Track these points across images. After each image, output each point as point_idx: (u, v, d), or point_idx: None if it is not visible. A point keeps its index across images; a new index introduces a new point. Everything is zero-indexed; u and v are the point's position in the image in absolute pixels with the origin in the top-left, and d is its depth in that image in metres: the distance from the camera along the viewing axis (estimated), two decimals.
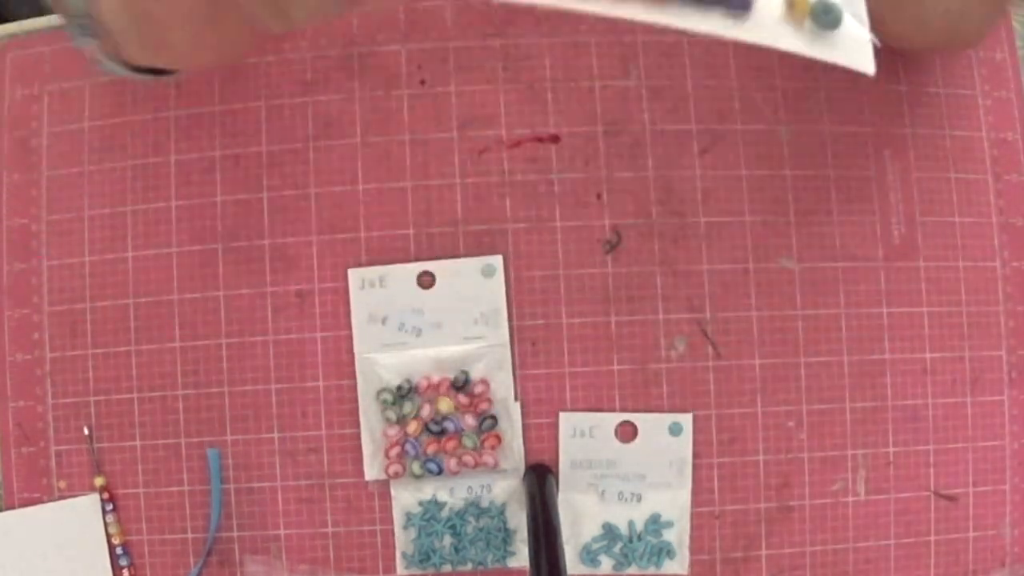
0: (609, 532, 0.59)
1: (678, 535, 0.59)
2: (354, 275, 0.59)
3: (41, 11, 0.59)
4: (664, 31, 0.36)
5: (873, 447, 0.59)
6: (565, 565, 0.50)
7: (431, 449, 0.58)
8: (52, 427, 0.59)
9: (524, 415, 0.59)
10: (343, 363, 0.59)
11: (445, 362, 0.59)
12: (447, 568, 0.59)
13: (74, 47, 0.46)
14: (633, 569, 0.59)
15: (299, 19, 0.40)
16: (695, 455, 0.59)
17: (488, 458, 0.58)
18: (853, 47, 0.37)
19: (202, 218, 0.59)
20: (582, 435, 0.59)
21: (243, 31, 0.41)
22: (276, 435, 0.59)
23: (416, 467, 0.58)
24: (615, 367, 0.58)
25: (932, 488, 0.59)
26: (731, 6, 0.35)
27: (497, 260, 0.59)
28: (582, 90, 0.59)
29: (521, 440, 0.59)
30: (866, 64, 0.36)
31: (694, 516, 0.59)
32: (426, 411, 0.58)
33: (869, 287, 0.59)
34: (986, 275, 0.59)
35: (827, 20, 0.36)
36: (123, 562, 0.58)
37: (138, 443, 0.59)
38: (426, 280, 0.59)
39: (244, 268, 0.59)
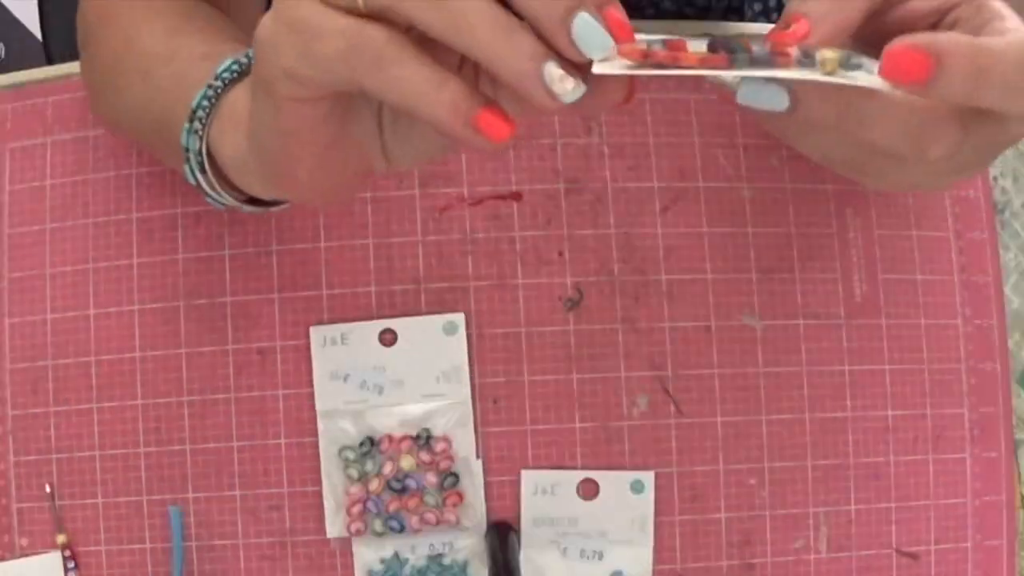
0: None
1: None
2: (316, 333, 0.59)
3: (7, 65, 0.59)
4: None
5: (835, 505, 0.59)
6: None
7: (393, 506, 0.58)
8: (14, 484, 0.59)
9: (486, 472, 0.58)
10: (305, 420, 0.58)
11: (407, 420, 0.59)
12: None
13: (185, 180, 0.46)
14: None
15: (402, 164, 0.41)
16: (657, 512, 0.58)
17: (450, 515, 0.58)
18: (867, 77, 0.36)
19: (164, 275, 0.59)
20: (544, 492, 0.59)
21: (359, 169, 0.41)
22: (238, 492, 0.58)
23: (378, 524, 0.58)
24: (577, 424, 0.58)
25: (894, 545, 0.59)
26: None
27: (459, 318, 0.59)
28: (543, 147, 0.59)
29: (483, 497, 0.58)
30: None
31: (656, 574, 0.59)
32: (388, 468, 0.58)
33: (831, 344, 0.59)
34: (948, 332, 0.59)
35: (851, 66, 0.36)
36: None
37: (100, 500, 0.59)
38: (388, 338, 0.59)
39: (206, 326, 0.58)
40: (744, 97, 0.35)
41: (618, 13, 0.33)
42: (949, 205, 0.60)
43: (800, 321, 0.59)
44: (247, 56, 0.44)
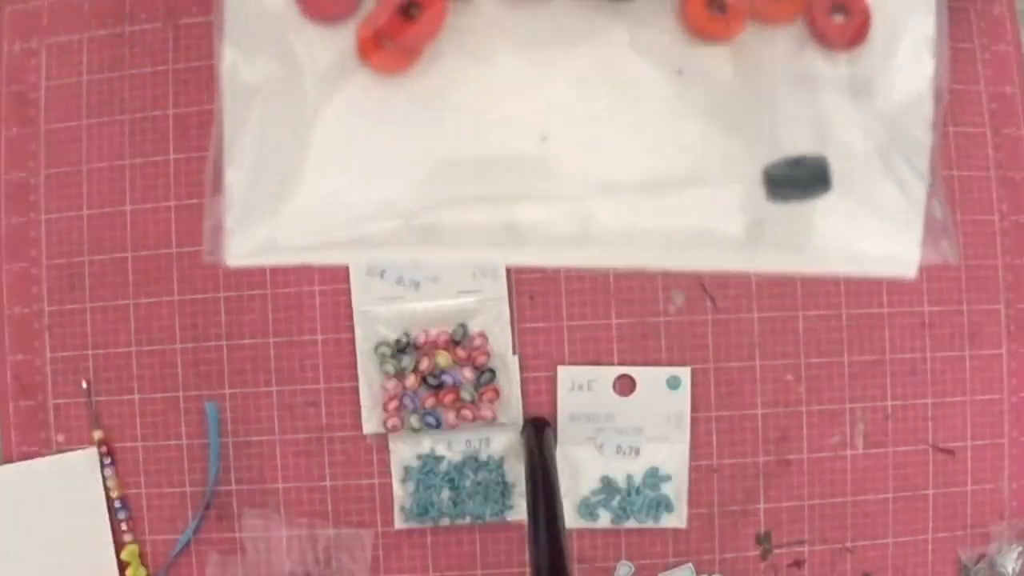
0: (607, 486, 0.58)
1: (676, 489, 0.57)
2: None
3: None
4: None
5: (871, 401, 0.57)
6: (563, 519, 0.49)
7: (429, 403, 0.57)
8: (50, 380, 0.58)
9: (522, 368, 0.57)
10: (341, 316, 0.57)
11: (443, 316, 0.57)
12: (445, 522, 0.57)
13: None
14: (631, 523, 0.57)
15: None
16: (693, 408, 0.57)
17: (486, 411, 0.57)
18: None
19: (200, 171, 0.57)
20: (580, 389, 0.58)
21: None
22: (274, 388, 0.57)
23: (414, 421, 0.57)
24: (613, 320, 0.57)
25: (930, 442, 0.58)
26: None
27: None
28: None
29: (519, 394, 0.57)
30: None
31: (692, 470, 0.57)
32: (424, 365, 0.57)
33: None
34: (984, 229, 0.58)
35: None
36: (121, 515, 0.57)
37: (136, 397, 0.57)
38: None
39: None
40: None
41: None
42: (985, 101, 0.58)
43: None
44: None
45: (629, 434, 0.57)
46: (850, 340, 0.57)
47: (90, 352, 0.57)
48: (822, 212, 0.34)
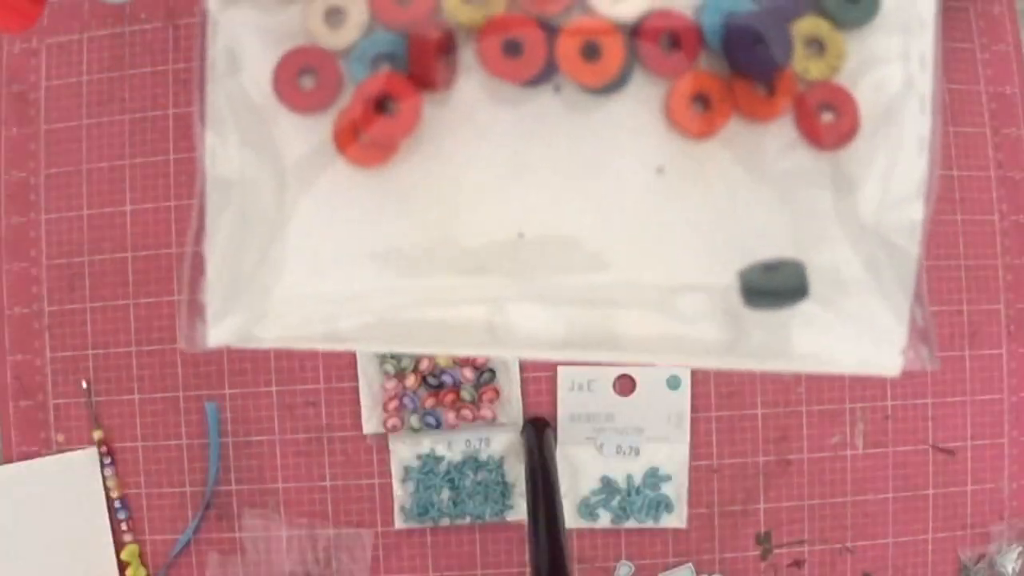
0: (607, 486, 0.57)
1: (676, 489, 0.57)
2: None
3: None
4: None
5: (871, 401, 0.57)
6: (563, 519, 0.49)
7: (429, 403, 0.57)
8: (50, 380, 0.57)
9: (522, 368, 0.56)
10: None
11: None
12: (445, 522, 0.57)
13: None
14: (631, 523, 0.57)
15: None
16: (693, 408, 0.57)
17: (486, 411, 0.57)
18: None
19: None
20: (580, 389, 0.57)
21: None
22: (275, 389, 0.57)
23: (414, 421, 0.57)
24: None
25: (930, 442, 0.58)
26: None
27: None
28: None
29: (519, 393, 0.57)
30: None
31: (692, 470, 0.57)
32: (424, 364, 0.57)
33: None
34: (984, 229, 0.58)
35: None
36: (121, 515, 0.57)
37: (136, 396, 0.57)
38: None
39: None
40: None
41: None
42: (986, 101, 0.58)
43: None
44: None
45: (629, 434, 0.57)
46: None
47: (90, 352, 0.57)
48: (800, 320, 0.33)
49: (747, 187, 0.33)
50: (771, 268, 0.33)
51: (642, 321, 0.33)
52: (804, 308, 0.33)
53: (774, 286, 0.33)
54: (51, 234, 0.57)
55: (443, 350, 0.34)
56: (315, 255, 0.33)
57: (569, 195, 0.33)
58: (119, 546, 0.57)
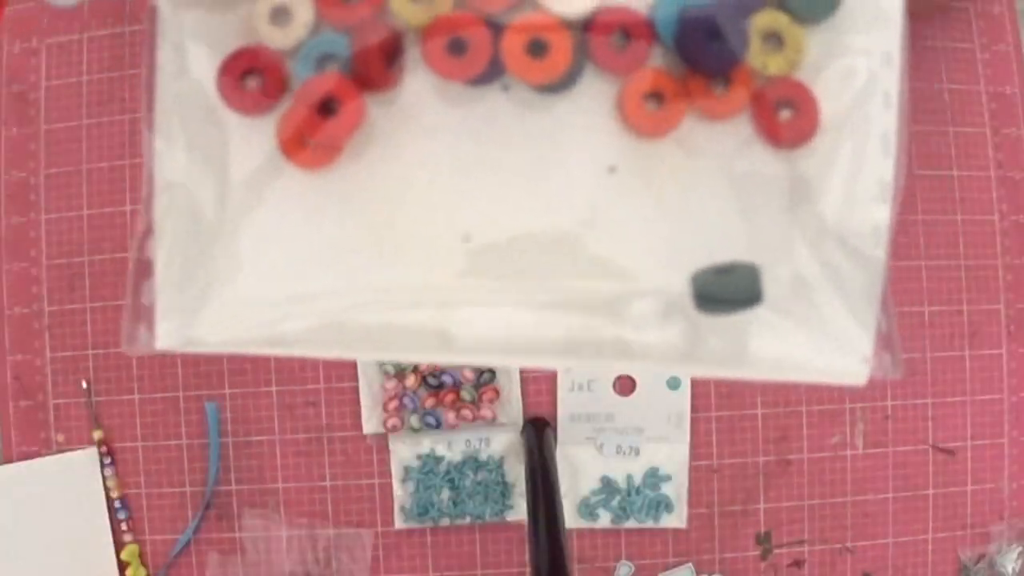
0: (607, 486, 0.57)
1: (676, 489, 0.57)
2: None
3: None
4: None
5: (871, 401, 0.57)
6: (563, 519, 0.49)
7: (429, 403, 0.57)
8: (50, 380, 0.57)
9: (522, 368, 0.57)
10: None
11: None
12: (445, 522, 0.57)
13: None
14: (631, 523, 0.57)
15: None
16: (693, 408, 0.57)
17: (486, 411, 0.57)
18: None
19: None
20: (580, 389, 0.57)
21: None
22: (275, 388, 0.57)
23: (414, 421, 0.57)
24: None
25: (930, 442, 0.58)
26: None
27: None
28: None
29: (519, 393, 0.56)
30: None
31: (692, 470, 0.57)
32: (424, 364, 0.57)
33: None
34: (984, 229, 0.58)
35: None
36: (121, 515, 0.57)
37: (136, 397, 0.57)
38: None
39: None
40: None
41: None
42: (986, 101, 0.58)
43: None
44: None
45: (629, 434, 0.57)
46: None
47: (90, 352, 0.57)
48: (758, 326, 0.32)
49: (702, 187, 0.32)
50: (724, 272, 0.32)
51: (593, 326, 0.32)
52: (761, 314, 0.31)
53: (726, 291, 0.31)
54: (51, 234, 0.57)
55: (391, 355, 0.33)
56: (261, 258, 0.32)
57: (518, 196, 0.32)
58: (119, 546, 0.57)
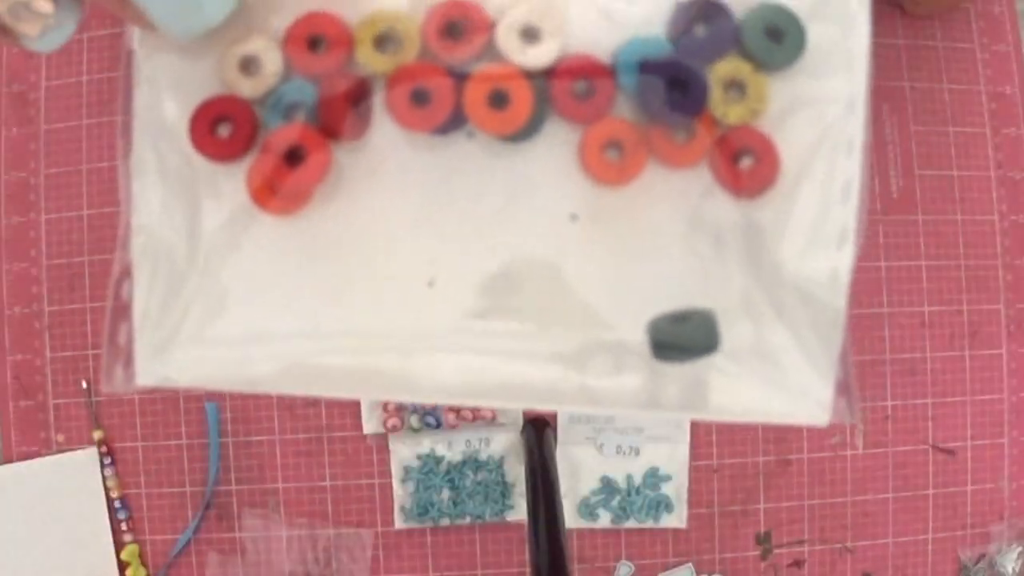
0: (607, 486, 0.57)
1: (676, 489, 0.57)
2: None
3: None
4: None
5: (871, 400, 0.57)
6: (563, 519, 0.49)
7: None
8: (50, 380, 0.57)
9: None
10: None
11: None
12: (445, 522, 0.57)
13: None
14: (631, 523, 0.57)
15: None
16: None
17: (486, 411, 0.57)
18: None
19: None
20: None
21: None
22: None
23: (414, 421, 0.57)
24: None
25: (930, 442, 0.58)
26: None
27: None
28: None
29: None
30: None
31: (692, 470, 0.57)
32: None
33: (868, 240, 0.57)
34: (984, 228, 0.58)
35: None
36: (121, 515, 0.57)
37: (136, 396, 0.57)
38: None
39: None
40: None
41: None
42: (985, 101, 0.58)
43: None
44: None
45: (629, 434, 0.57)
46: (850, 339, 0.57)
47: (90, 352, 0.57)
48: (716, 374, 0.32)
49: (662, 235, 0.32)
50: (680, 319, 0.32)
51: (555, 373, 0.32)
52: (719, 363, 0.32)
53: (682, 339, 0.32)
54: (51, 234, 0.57)
55: (357, 395, 0.33)
56: (233, 300, 0.33)
57: (481, 243, 0.33)
58: (119, 546, 0.57)
